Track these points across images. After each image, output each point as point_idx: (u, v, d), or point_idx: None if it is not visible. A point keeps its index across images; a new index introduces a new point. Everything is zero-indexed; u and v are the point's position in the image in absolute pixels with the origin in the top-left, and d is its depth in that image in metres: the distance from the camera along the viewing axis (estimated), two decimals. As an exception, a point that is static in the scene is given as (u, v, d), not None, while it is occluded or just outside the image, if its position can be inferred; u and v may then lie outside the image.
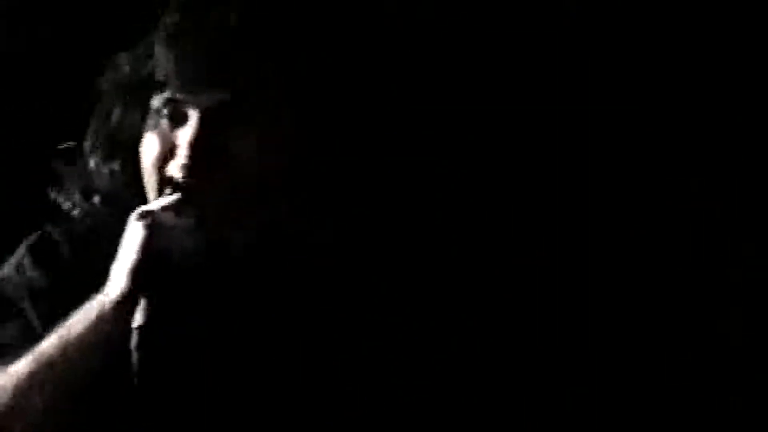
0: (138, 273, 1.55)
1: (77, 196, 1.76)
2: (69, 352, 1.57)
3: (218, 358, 1.64)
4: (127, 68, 1.72)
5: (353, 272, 1.85)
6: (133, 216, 1.59)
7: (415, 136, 2.42)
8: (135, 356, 1.54)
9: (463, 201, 2.43)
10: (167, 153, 1.65)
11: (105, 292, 1.58)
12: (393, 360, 1.89)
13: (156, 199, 1.64)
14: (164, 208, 1.59)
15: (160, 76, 1.65)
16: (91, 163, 1.74)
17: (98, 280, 1.60)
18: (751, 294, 2.38)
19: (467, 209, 2.43)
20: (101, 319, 1.57)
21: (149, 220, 1.57)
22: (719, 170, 2.41)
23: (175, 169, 1.63)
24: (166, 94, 1.65)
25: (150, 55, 1.68)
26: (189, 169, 1.61)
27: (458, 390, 2.36)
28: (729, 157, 2.41)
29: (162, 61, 1.65)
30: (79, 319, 1.58)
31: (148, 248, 1.56)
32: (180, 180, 1.62)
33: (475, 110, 2.43)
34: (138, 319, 1.55)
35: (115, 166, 1.72)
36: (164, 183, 1.64)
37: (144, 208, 1.60)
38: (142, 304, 1.55)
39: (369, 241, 2.29)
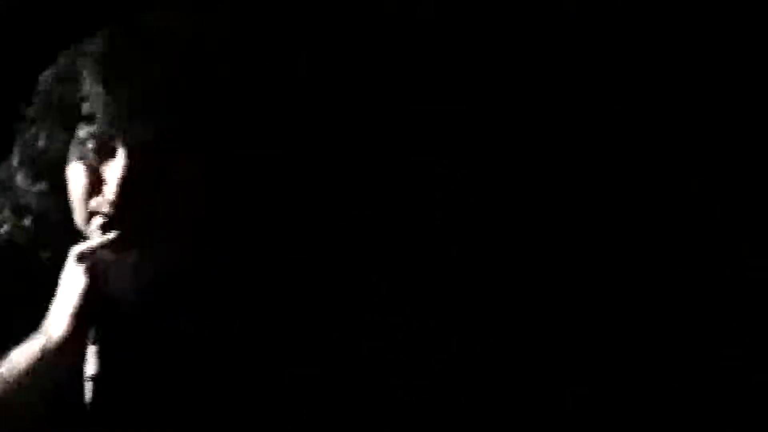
0: (81, 317, 1.54)
1: (7, 212, 1.71)
2: (11, 394, 1.55)
3: (191, 387, 1.61)
4: (50, 89, 1.68)
5: (353, 272, 1.84)
6: (71, 257, 1.56)
7: (414, 136, 2.42)
8: (90, 405, 1.51)
9: (463, 201, 2.42)
10: (95, 185, 1.61)
11: (46, 332, 1.56)
12: (393, 360, 1.88)
13: (85, 228, 1.61)
14: (102, 246, 1.57)
15: (88, 109, 1.61)
16: (18, 180, 1.70)
17: (24, 301, 1.58)
18: (751, 294, 2.38)
19: (467, 209, 2.42)
20: (44, 361, 1.55)
21: (88, 262, 1.55)
22: (719, 170, 2.41)
23: (104, 204, 1.59)
24: (94, 128, 1.61)
25: (72, 78, 1.64)
26: (119, 206, 1.58)
27: (458, 390, 2.36)
28: (729, 157, 2.41)
29: (92, 94, 1.61)
30: (20, 360, 1.56)
31: (89, 291, 1.54)
32: (111, 215, 1.58)
33: (475, 110, 2.43)
34: (90, 368, 1.53)
35: (43, 186, 1.68)
36: (93, 215, 1.60)
37: (81, 248, 1.58)
38: (92, 351, 1.53)
39: (369, 241, 2.29)
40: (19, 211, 1.69)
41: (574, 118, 2.42)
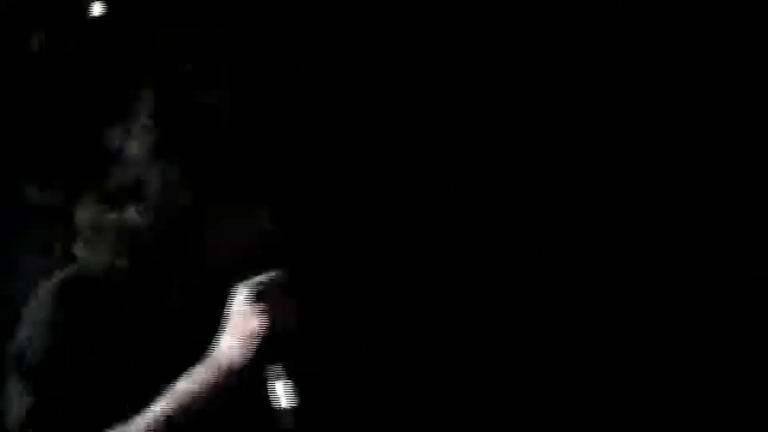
0: (252, 349, 1.59)
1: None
2: (181, 414, 1.60)
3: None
4: None
5: (353, 272, 1.85)
6: (241, 295, 1.61)
7: (414, 136, 2.43)
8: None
9: (463, 201, 2.43)
10: None
11: (214, 361, 1.60)
12: (393, 360, 1.89)
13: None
14: (266, 285, 1.62)
15: None
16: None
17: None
18: (751, 294, 2.39)
19: (467, 209, 2.43)
20: (215, 385, 1.60)
21: (259, 298, 1.61)
22: (719, 170, 2.41)
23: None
24: None
25: None
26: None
27: (458, 390, 2.36)
28: (729, 157, 2.41)
29: None
30: (189, 387, 1.61)
31: (261, 326, 1.59)
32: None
33: (476, 110, 2.43)
34: (283, 397, 1.58)
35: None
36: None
37: (248, 286, 1.62)
38: (283, 381, 1.58)
39: (369, 241, 2.30)
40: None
41: (574, 118, 2.42)
